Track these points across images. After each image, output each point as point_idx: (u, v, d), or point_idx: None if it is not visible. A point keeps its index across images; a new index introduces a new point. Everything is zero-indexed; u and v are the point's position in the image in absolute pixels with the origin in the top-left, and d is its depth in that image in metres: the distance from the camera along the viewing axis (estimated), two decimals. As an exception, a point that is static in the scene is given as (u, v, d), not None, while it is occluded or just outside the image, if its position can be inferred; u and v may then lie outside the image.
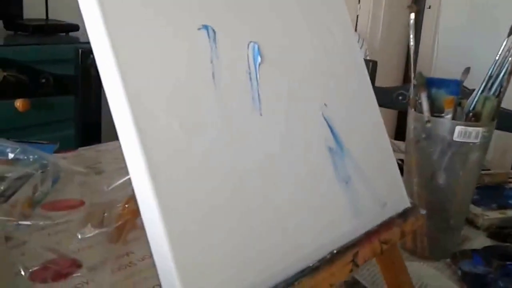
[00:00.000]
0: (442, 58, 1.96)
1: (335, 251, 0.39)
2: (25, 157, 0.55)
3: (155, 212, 0.30)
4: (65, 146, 0.86)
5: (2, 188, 0.54)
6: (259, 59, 0.39)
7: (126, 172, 0.63)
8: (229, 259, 0.33)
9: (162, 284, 0.30)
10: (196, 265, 0.30)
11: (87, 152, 0.92)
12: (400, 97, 0.97)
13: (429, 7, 2.13)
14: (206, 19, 0.36)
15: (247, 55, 0.39)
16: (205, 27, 0.36)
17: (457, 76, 0.60)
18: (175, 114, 0.32)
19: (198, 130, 0.34)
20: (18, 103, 1.16)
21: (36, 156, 0.56)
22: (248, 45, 0.39)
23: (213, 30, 0.37)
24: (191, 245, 0.31)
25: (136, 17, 0.32)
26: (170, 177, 0.31)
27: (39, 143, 0.68)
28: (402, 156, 0.63)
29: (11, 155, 0.55)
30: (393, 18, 2.08)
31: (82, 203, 0.67)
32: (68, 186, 0.69)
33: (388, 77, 1.94)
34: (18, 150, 0.55)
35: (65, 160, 0.67)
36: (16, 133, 0.70)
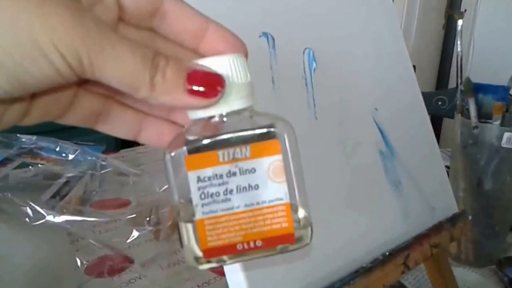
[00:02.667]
0: (477, 62, 1.92)
1: (387, 253, 0.39)
2: (82, 158, 0.58)
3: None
4: (106, 148, 0.89)
5: (57, 187, 0.57)
6: (314, 64, 0.41)
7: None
8: (291, 262, 0.34)
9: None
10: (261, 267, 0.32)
11: (129, 154, 0.95)
12: (440, 103, 0.97)
13: (465, 11, 2.10)
14: (265, 26, 0.38)
15: (303, 61, 0.40)
16: (265, 34, 0.38)
17: (494, 80, 0.60)
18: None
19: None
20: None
21: (93, 158, 0.58)
22: (304, 51, 0.40)
23: (272, 37, 0.38)
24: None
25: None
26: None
27: (87, 144, 0.71)
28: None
29: (71, 156, 0.58)
30: (427, 22, 2.06)
31: (128, 202, 0.70)
32: (115, 186, 0.72)
33: (422, 82, 1.92)
34: (78, 152, 0.58)
35: (113, 161, 0.70)
36: (57, 135, 0.73)
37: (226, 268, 0.31)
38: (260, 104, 0.35)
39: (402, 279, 0.54)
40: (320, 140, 0.39)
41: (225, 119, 0.21)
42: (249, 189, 0.21)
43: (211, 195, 0.20)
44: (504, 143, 0.53)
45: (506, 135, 0.52)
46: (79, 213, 0.58)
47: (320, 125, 0.39)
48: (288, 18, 0.40)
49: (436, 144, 0.50)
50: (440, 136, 1.69)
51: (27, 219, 0.47)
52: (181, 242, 0.21)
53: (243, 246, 0.21)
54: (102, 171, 0.60)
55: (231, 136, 0.20)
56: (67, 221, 0.49)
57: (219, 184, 0.20)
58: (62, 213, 0.53)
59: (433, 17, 2.09)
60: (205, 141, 0.20)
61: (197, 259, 0.21)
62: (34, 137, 0.58)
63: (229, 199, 0.21)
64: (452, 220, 0.47)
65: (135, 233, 0.50)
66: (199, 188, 0.20)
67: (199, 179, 0.20)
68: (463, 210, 0.49)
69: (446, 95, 0.96)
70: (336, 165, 0.40)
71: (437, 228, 0.45)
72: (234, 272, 0.31)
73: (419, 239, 0.43)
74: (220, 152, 0.20)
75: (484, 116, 0.56)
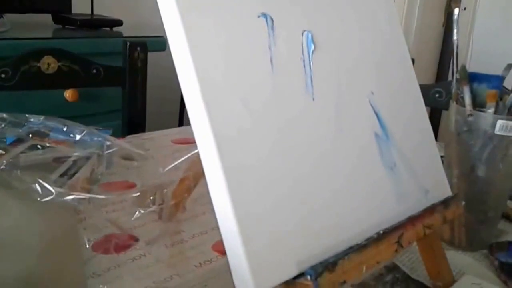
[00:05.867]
0: (476, 60, 1.94)
1: (381, 232, 0.41)
2: (89, 139, 0.60)
3: (223, 186, 0.33)
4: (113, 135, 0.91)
5: (66, 167, 0.59)
6: (312, 47, 0.42)
7: (177, 157, 0.66)
8: (287, 238, 0.35)
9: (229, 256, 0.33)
10: (260, 243, 0.34)
11: (135, 139, 0.97)
12: (437, 95, 0.99)
13: (464, 9, 2.11)
14: (264, 7, 0.39)
15: (301, 43, 0.42)
16: (264, 15, 0.39)
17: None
18: (238, 95, 0.36)
19: (258, 111, 0.37)
20: (68, 94, 1.23)
21: (100, 138, 0.60)
22: (303, 33, 0.42)
23: (271, 18, 0.40)
24: (255, 225, 0.34)
25: (205, 5, 0.36)
26: (235, 153, 0.34)
27: (96, 128, 0.72)
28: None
29: (78, 136, 0.60)
30: (428, 16, 2.07)
31: (135, 185, 0.71)
32: (122, 170, 0.74)
33: (421, 75, 1.93)
34: (84, 132, 0.60)
35: (119, 142, 0.71)
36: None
37: (226, 243, 0.33)
38: (258, 84, 0.37)
39: (396, 261, 0.56)
40: (316, 120, 0.41)
41: None
42: None
43: None
44: (497, 131, 0.54)
45: (499, 122, 0.54)
46: (87, 192, 0.60)
47: (317, 106, 0.41)
48: (287, 0, 0.41)
49: (431, 128, 0.52)
50: (438, 129, 1.70)
51: (36, 196, 0.49)
52: None
53: None
54: (108, 151, 0.62)
55: None
56: (75, 199, 0.51)
57: None
58: (70, 191, 0.55)
59: (433, 15, 2.11)
60: None
61: None
62: (42, 117, 0.60)
63: None
64: (445, 202, 0.49)
65: (140, 212, 0.52)
66: None
67: None
68: (456, 193, 0.51)
69: (443, 88, 0.97)
70: (331, 146, 0.41)
71: (430, 210, 0.47)
72: (233, 246, 0.33)
73: (412, 219, 0.45)
74: None
75: (478, 105, 0.58)
